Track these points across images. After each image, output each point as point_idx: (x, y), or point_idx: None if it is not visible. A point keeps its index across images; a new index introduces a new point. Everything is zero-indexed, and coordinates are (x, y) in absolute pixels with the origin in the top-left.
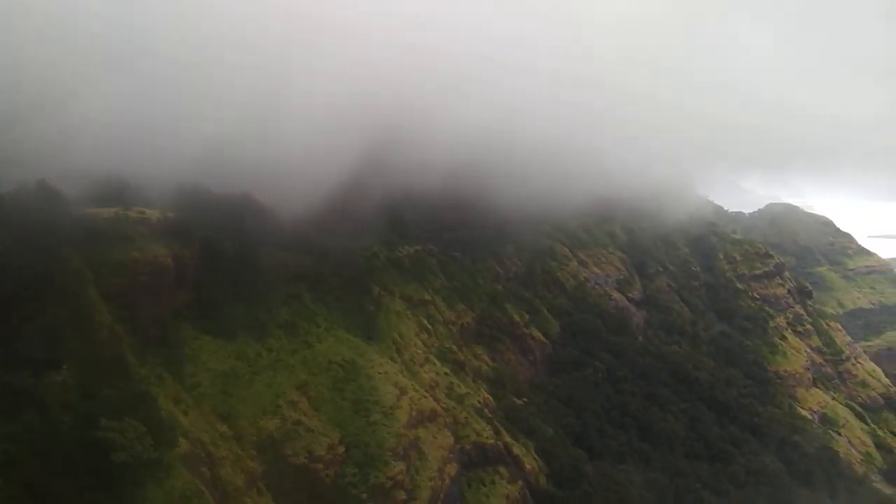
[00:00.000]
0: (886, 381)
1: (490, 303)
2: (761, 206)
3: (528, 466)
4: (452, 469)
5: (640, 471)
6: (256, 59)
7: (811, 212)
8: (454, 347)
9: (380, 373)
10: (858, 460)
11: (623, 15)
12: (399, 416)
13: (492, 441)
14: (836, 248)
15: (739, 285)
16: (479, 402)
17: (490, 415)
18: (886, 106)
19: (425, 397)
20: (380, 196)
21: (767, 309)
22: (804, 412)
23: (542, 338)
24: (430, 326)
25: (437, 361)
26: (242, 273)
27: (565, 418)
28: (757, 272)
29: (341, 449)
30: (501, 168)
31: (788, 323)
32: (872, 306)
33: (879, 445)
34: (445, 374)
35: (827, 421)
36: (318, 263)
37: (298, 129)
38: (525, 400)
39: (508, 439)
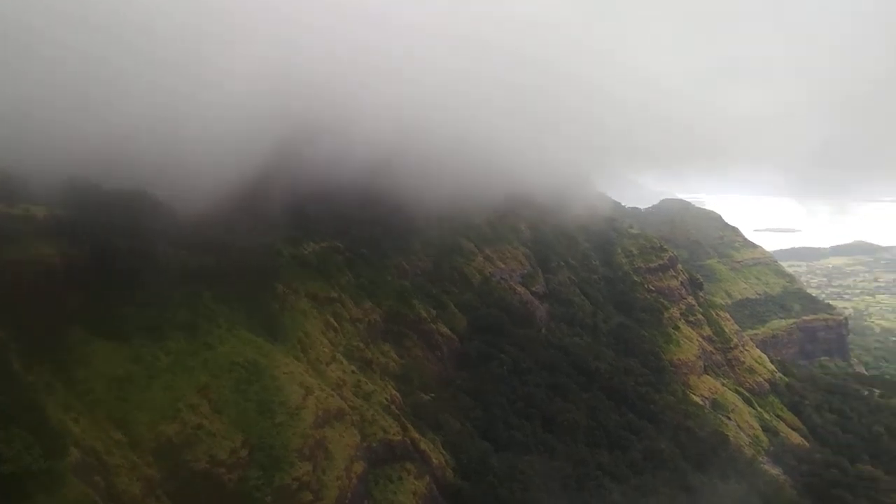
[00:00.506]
0: (771, 366)
1: (398, 299)
2: (656, 201)
3: (435, 461)
4: (359, 467)
5: (545, 460)
6: (162, 54)
7: (702, 207)
8: (361, 345)
9: (285, 373)
10: (747, 443)
11: (527, 16)
12: (305, 417)
13: (399, 437)
14: (724, 241)
15: (636, 278)
16: (387, 399)
17: (398, 411)
18: (772, 106)
19: (332, 396)
20: (287, 193)
21: (662, 300)
22: (697, 398)
23: (449, 333)
24: (336, 324)
25: (343, 360)
26: (137, 273)
27: (472, 412)
28: (652, 265)
29: (245, 452)
30: (411, 166)
31: (682, 313)
32: (758, 296)
33: (766, 428)
34: (353, 372)
35: (718, 406)
36: (220, 262)
37: (203, 125)
38: (433, 395)
39: (416, 435)
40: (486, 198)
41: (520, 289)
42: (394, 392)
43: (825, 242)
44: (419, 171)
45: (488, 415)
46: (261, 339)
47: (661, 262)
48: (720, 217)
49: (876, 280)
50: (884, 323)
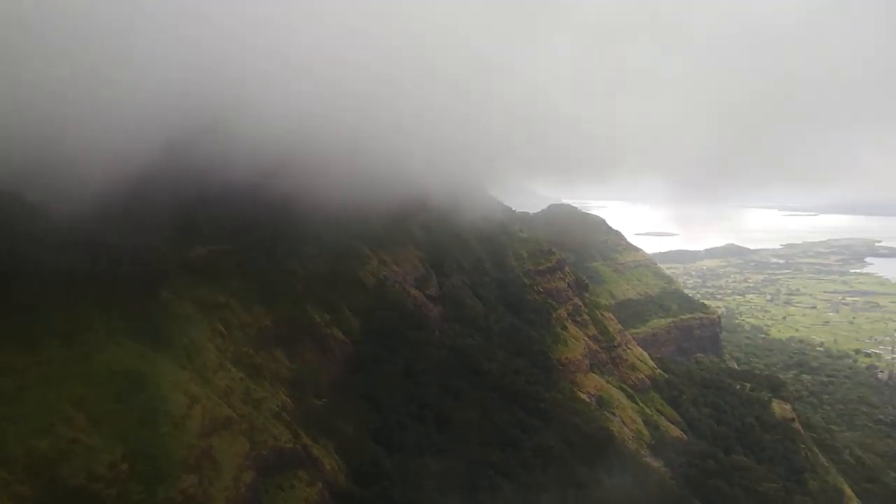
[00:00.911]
0: (652, 363)
1: (290, 304)
2: (545, 206)
3: (327, 467)
4: (248, 477)
5: (438, 461)
6: (39, 43)
7: (587, 212)
8: (251, 351)
9: (169, 381)
10: (631, 437)
11: (424, 22)
12: (190, 426)
13: (290, 445)
14: (608, 245)
15: (526, 280)
16: (278, 405)
17: (289, 418)
18: (656, 118)
19: (219, 404)
20: (174, 194)
21: (551, 301)
22: (584, 396)
23: (342, 337)
24: (224, 330)
25: (232, 367)
26: (8, 278)
27: (366, 415)
28: (541, 268)
29: (125, 465)
30: (306, 168)
31: (569, 314)
32: (639, 296)
33: (647, 423)
34: (241, 379)
35: (603, 403)
36: (100, 266)
37: (83, 120)
38: (325, 400)
39: (308, 441)
40: (382, 201)
41: (414, 292)
42: (285, 398)
43: (700, 246)
44: (314, 174)
45: (382, 418)
46: (143, 347)
47: (549, 264)
48: (604, 221)
49: (745, 281)
50: (753, 321)
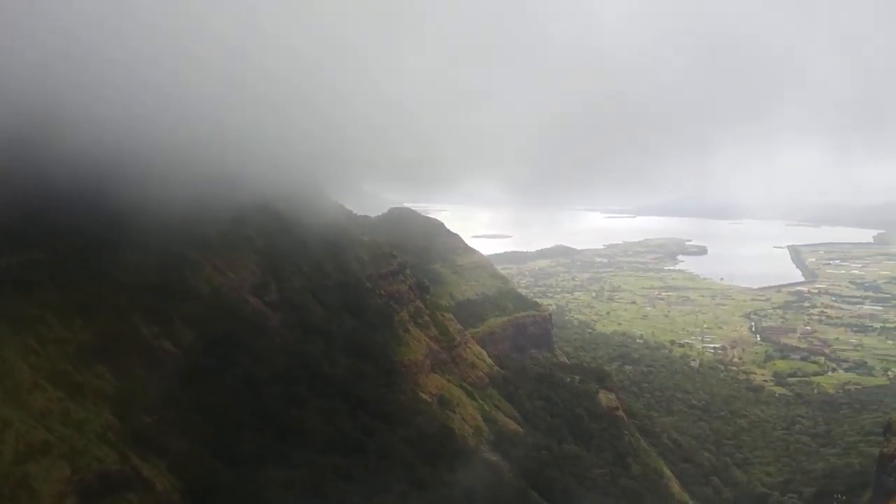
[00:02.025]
0: (490, 361)
1: (114, 316)
2: (385, 210)
3: (159, 487)
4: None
5: (281, 472)
6: None
7: (427, 216)
8: (70, 368)
9: None
10: (471, 434)
11: (272, 24)
12: (3, 452)
13: (117, 466)
14: (447, 247)
15: (368, 284)
16: (102, 425)
17: (115, 438)
18: (494, 128)
19: (35, 427)
20: None
21: (393, 304)
22: (425, 396)
23: (174, 349)
24: (39, 347)
25: (48, 386)
26: None
27: (202, 430)
28: (383, 271)
29: None
30: (135, 172)
31: (410, 316)
32: (477, 297)
33: (486, 419)
34: (60, 398)
35: (444, 402)
36: None
37: None
38: (156, 417)
39: (137, 461)
40: (218, 205)
41: (251, 299)
42: (110, 417)
43: (532, 247)
44: (144, 178)
45: (219, 431)
46: None
47: (391, 268)
48: (443, 225)
49: (573, 279)
50: (581, 317)
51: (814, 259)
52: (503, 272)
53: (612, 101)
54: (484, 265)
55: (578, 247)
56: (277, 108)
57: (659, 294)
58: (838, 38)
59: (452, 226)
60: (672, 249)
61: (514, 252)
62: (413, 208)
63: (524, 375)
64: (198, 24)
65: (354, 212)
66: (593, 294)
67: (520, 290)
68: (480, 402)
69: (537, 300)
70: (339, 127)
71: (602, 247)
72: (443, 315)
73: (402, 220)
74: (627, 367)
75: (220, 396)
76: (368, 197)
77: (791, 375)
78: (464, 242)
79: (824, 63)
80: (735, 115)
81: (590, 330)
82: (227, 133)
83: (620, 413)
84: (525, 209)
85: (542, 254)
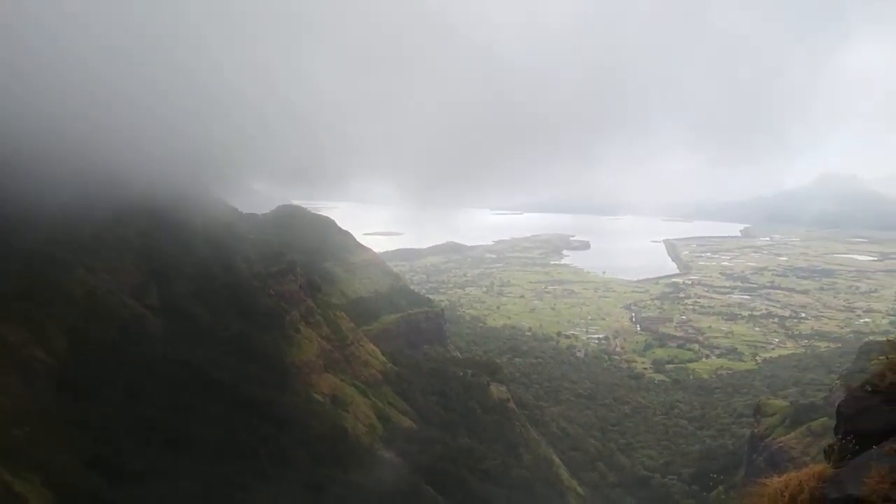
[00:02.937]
0: (383, 358)
1: None
2: (273, 207)
3: None
4: None
5: (167, 484)
6: None
7: (318, 213)
8: None
9: None
10: (364, 432)
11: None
12: None
13: None
14: (339, 245)
15: (257, 283)
16: None
17: None
18: (388, 129)
19: None
20: None
21: (283, 304)
22: (318, 396)
23: (46, 358)
24: None
25: None
26: None
27: (80, 443)
28: (272, 270)
29: None
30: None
31: (302, 316)
32: (370, 294)
33: (380, 416)
34: None
35: (338, 402)
36: None
37: None
38: (27, 430)
39: (8, 478)
40: (93, 204)
41: (131, 303)
42: None
43: (424, 244)
44: (12, 176)
45: (99, 444)
46: None
47: (280, 267)
48: (334, 222)
49: (465, 275)
50: (472, 312)
51: (687, 252)
52: (396, 269)
53: (503, 108)
54: (376, 263)
55: (469, 243)
56: (161, 107)
57: (546, 288)
58: (713, 68)
59: (344, 224)
60: (558, 245)
61: (406, 249)
62: (303, 206)
63: (418, 371)
64: (77, 22)
65: (242, 210)
66: (484, 289)
67: (412, 286)
68: (374, 399)
69: (430, 296)
70: (225, 126)
71: (492, 243)
72: (335, 314)
73: (291, 218)
74: (517, 360)
75: (99, 406)
76: (257, 195)
77: (669, 362)
78: (356, 240)
79: (700, 87)
80: (621, 128)
81: (481, 324)
82: (106, 133)
83: (511, 405)
84: (416, 207)
85: (433, 250)
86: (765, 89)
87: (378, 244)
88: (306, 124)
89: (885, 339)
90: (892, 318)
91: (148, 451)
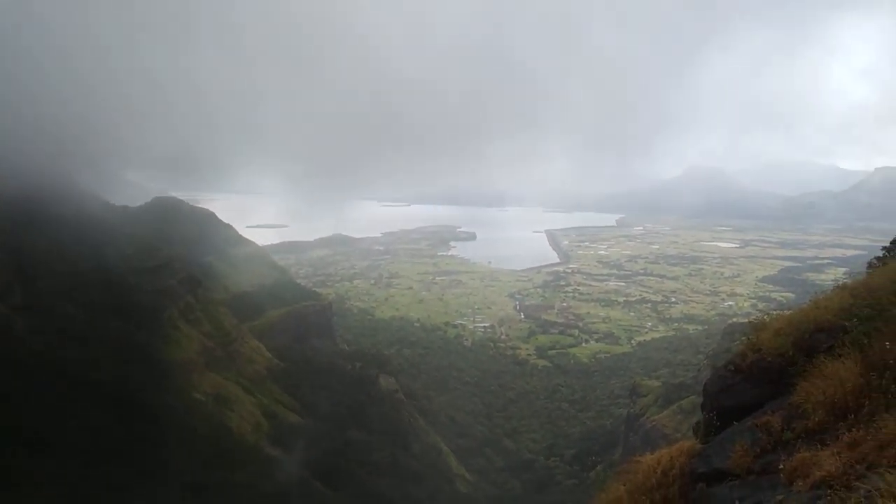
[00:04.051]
0: (268, 354)
1: None
2: (149, 199)
3: None
4: None
5: (36, 493)
6: None
7: (197, 206)
8: None
9: None
10: (250, 431)
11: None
12: None
13: None
14: (220, 238)
15: (132, 280)
16: None
17: None
18: (270, 120)
19: None
20: None
21: (161, 301)
22: (199, 396)
23: None
24: None
25: None
26: None
27: None
28: (149, 265)
29: None
30: None
31: (181, 312)
32: (255, 289)
33: (266, 414)
34: None
35: (221, 400)
36: None
37: None
38: None
39: None
40: None
41: None
42: None
43: (310, 236)
44: None
45: None
46: None
47: (157, 261)
48: (214, 215)
49: (353, 268)
50: (360, 304)
51: (567, 242)
52: (281, 263)
53: (394, 107)
54: (260, 256)
55: (357, 235)
56: (30, 95)
57: (434, 279)
58: (591, 78)
59: (226, 216)
60: (445, 236)
61: (292, 242)
62: (181, 198)
63: (305, 366)
64: None
65: (115, 202)
66: (372, 281)
67: (299, 280)
68: (260, 397)
69: (317, 290)
70: (96, 115)
71: (380, 235)
72: (217, 309)
73: (169, 210)
74: (406, 351)
75: None
76: (131, 187)
77: (551, 348)
78: (238, 233)
79: (580, 95)
80: (508, 129)
81: (370, 316)
82: None
83: (400, 395)
84: (303, 199)
85: (320, 243)
86: (637, 95)
87: (262, 237)
88: (185, 116)
89: (746, 321)
90: (754, 301)
91: (13, 458)
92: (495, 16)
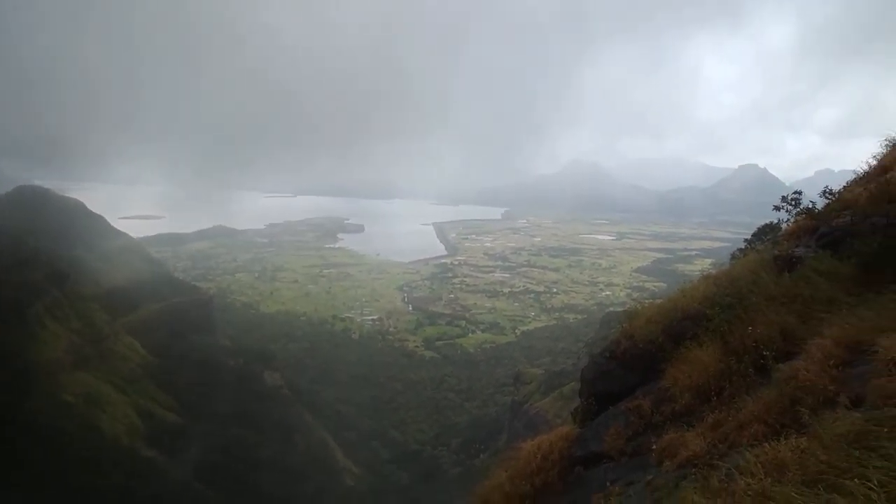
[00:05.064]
0: (144, 352)
1: None
2: (10, 188)
3: None
4: None
5: None
6: None
7: (65, 195)
8: None
9: None
10: (124, 432)
11: None
12: None
13: None
14: (90, 230)
15: None
16: None
17: None
18: (146, 112)
19: None
20: None
21: (25, 297)
22: (68, 397)
23: None
24: None
25: None
26: None
27: None
28: (11, 259)
29: None
30: None
31: (47, 309)
32: (129, 283)
33: (141, 414)
34: None
35: (91, 401)
36: None
37: None
38: None
39: None
40: None
41: None
42: None
43: (189, 228)
44: None
45: None
46: None
47: (21, 255)
48: (84, 205)
49: (235, 260)
50: (244, 298)
51: (454, 234)
52: (158, 256)
53: (282, 101)
54: (135, 249)
55: (239, 227)
56: None
57: (321, 271)
58: (475, 84)
59: (97, 206)
60: (332, 228)
61: (169, 234)
62: (47, 187)
63: (184, 363)
64: None
65: None
66: (256, 275)
67: (177, 274)
68: (135, 396)
69: (197, 284)
70: None
71: (264, 227)
72: (87, 306)
73: (32, 200)
74: (292, 345)
75: None
76: None
77: (438, 339)
78: (109, 224)
79: (467, 97)
80: (398, 126)
81: (253, 311)
82: None
83: (285, 391)
84: (181, 189)
85: (200, 235)
86: (518, 102)
87: (137, 229)
88: (59, 104)
89: (621, 310)
90: (629, 290)
91: None
92: (387, 27)
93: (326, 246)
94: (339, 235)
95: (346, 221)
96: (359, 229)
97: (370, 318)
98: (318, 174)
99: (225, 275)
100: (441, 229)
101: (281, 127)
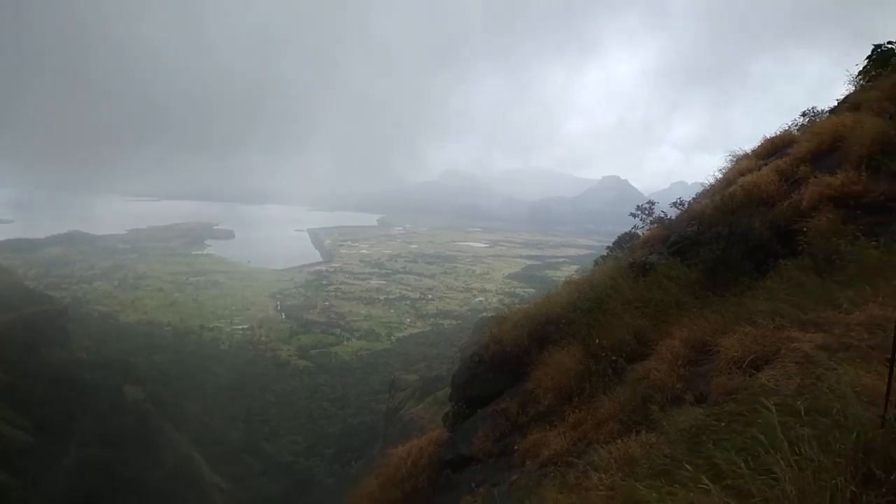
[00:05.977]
0: None
1: None
2: None
3: None
4: None
5: None
6: None
7: None
8: None
9: None
10: None
11: None
12: None
13: None
14: None
15: None
16: None
17: None
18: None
19: None
20: None
21: None
22: None
23: None
24: None
25: None
26: None
27: None
28: None
29: None
30: None
31: None
32: None
33: None
34: None
35: None
36: None
37: None
38: None
39: None
40: None
41: None
42: None
43: (41, 233)
44: None
45: None
46: None
47: None
48: None
49: (93, 268)
50: (102, 308)
51: (330, 241)
52: (5, 263)
53: (147, 105)
54: None
55: (98, 232)
56: None
57: (188, 279)
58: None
59: None
60: (200, 234)
61: (17, 239)
62: None
63: (36, 378)
64: None
65: None
66: (116, 283)
67: (28, 282)
68: None
69: (50, 293)
70: None
71: (125, 232)
72: None
73: None
74: (155, 357)
75: None
76: None
77: (313, 348)
78: None
79: (344, 119)
80: (274, 136)
81: (113, 321)
82: None
83: (148, 405)
84: (32, 192)
85: (53, 240)
86: (395, 116)
87: None
88: None
89: (492, 314)
90: (501, 296)
91: None
92: (264, 48)
93: (194, 252)
94: (208, 241)
95: (215, 227)
96: (229, 235)
97: (241, 327)
98: (187, 178)
99: (81, 283)
100: (316, 235)
101: (154, 136)
